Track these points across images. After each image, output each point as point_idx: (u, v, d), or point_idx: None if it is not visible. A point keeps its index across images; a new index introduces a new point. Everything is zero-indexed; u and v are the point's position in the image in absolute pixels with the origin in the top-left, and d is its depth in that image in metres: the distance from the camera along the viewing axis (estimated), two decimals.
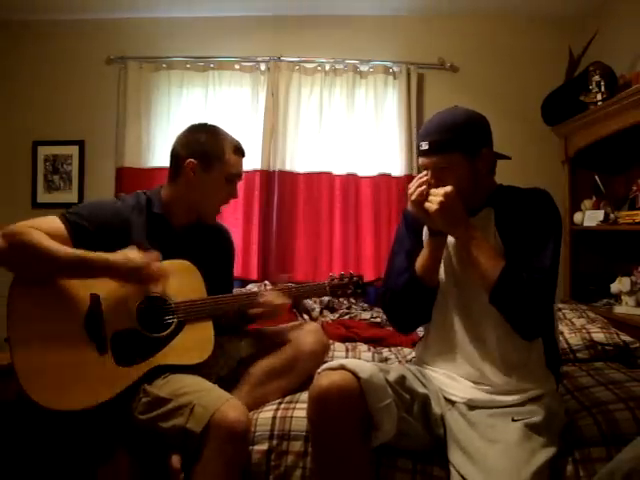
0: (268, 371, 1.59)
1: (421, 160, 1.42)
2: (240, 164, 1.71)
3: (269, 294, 1.71)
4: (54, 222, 1.46)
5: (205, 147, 1.63)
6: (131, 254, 1.44)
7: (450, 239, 1.45)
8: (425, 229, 1.49)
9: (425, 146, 1.38)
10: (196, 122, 1.75)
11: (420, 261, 1.44)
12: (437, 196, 1.34)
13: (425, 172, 1.41)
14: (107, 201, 1.63)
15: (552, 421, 1.32)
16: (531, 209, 1.40)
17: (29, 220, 1.44)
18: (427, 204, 1.36)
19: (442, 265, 1.47)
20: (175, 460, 1.38)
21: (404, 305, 1.49)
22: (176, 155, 1.66)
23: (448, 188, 1.34)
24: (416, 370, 1.48)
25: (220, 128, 1.72)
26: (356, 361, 1.35)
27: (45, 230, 1.41)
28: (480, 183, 1.43)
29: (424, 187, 1.38)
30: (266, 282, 3.07)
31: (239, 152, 1.69)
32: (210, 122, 1.75)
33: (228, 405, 1.36)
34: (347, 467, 1.27)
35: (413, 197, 1.39)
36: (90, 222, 1.49)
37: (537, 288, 1.29)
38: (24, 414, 1.53)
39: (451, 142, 1.36)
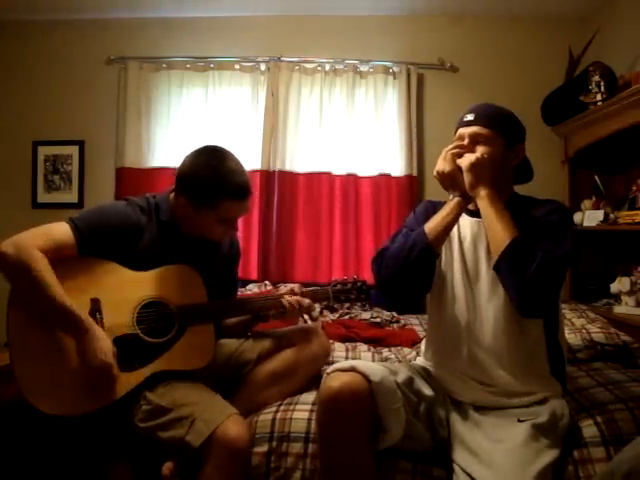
0: (270, 375, 1.58)
1: (461, 130, 1.45)
2: (238, 208, 1.57)
3: (292, 295, 1.66)
4: (63, 229, 1.45)
5: (200, 190, 1.52)
6: (105, 349, 1.39)
7: (466, 237, 1.46)
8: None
9: (470, 117, 1.43)
10: (210, 148, 1.60)
11: (432, 223, 1.40)
12: (472, 154, 1.39)
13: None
14: (115, 205, 1.60)
15: (557, 424, 1.32)
16: (545, 213, 1.40)
17: (38, 229, 1.45)
18: (459, 160, 1.39)
19: (455, 266, 1.46)
20: (166, 468, 1.38)
21: (400, 261, 1.38)
22: (177, 178, 1.58)
23: (484, 151, 1.39)
24: (422, 370, 1.48)
25: (230, 162, 1.55)
26: (367, 363, 1.34)
27: (54, 239, 1.42)
28: (503, 178, 1.44)
29: (460, 150, 1.42)
30: (266, 282, 3.08)
31: (240, 196, 1.55)
32: (223, 148, 1.60)
33: (230, 421, 1.35)
34: (353, 469, 1.27)
35: (450, 150, 1.42)
36: (98, 228, 1.48)
37: (544, 265, 1.26)
38: (24, 417, 1.53)
39: (495, 121, 1.43)
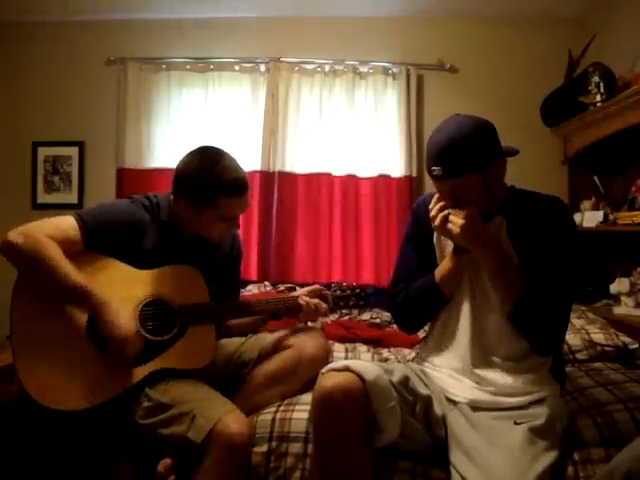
0: (270, 376, 1.58)
1: (435, 184, 1.39)
2: (237, 204, 1.59)
3: (307, 297, 1.68)
4: (69, 222, 1.46)
5: (198, 191, 1.54)
6: (123, 322, 1.42)
7: None
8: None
9: (438, 172, 1.33)
10: (202, 148, 1.62)
11: (441, 272, 1.45)
12: (459, 219, 1.34)
13: (438, 195, 1.40)
14: (120, 203, 1.61)
15: (555, 424, 1.31)
16: (547, 220, 1.39)
17: (45, 220, 1.46)
18: (449, 225, 1.35)
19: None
20: (161, 465, 1.38)
21: (417, 310, 1.52)
22: (174, 182, 1.60)
23: (469, 210, 1.34)
24: (418, 370, 1.48)
25: (223, 160, 1.57)
26: (361, 362, 1.34)
27: (61, 230, 1.43)
28: (494, 193, 1.40)
29: (445, 212, 1.37)
30: (266, 283, 3.08)
31: (237, 191, 1.56)
32: (217, 147, 1.62)
33: (230, 417, 1.36)
34: (349, 469, 1.27)
35: (436, 222, 1.38)
36: (103, 224, 1.49)
37: (555, 310, 1.34)
38: (26, 417, 1.53)
39: (464, 164, 1.31)
